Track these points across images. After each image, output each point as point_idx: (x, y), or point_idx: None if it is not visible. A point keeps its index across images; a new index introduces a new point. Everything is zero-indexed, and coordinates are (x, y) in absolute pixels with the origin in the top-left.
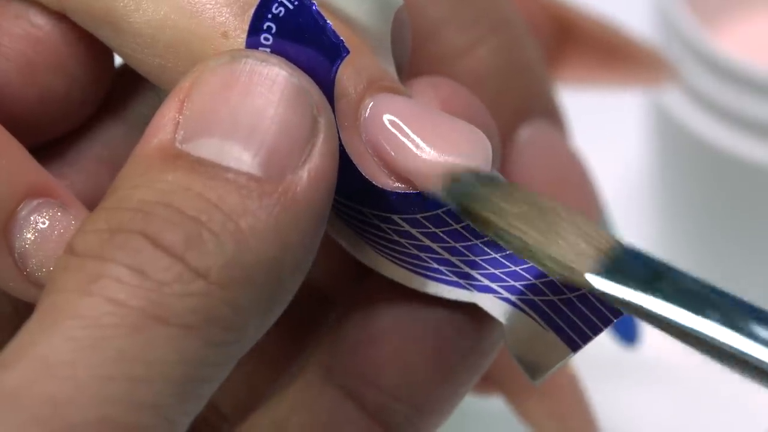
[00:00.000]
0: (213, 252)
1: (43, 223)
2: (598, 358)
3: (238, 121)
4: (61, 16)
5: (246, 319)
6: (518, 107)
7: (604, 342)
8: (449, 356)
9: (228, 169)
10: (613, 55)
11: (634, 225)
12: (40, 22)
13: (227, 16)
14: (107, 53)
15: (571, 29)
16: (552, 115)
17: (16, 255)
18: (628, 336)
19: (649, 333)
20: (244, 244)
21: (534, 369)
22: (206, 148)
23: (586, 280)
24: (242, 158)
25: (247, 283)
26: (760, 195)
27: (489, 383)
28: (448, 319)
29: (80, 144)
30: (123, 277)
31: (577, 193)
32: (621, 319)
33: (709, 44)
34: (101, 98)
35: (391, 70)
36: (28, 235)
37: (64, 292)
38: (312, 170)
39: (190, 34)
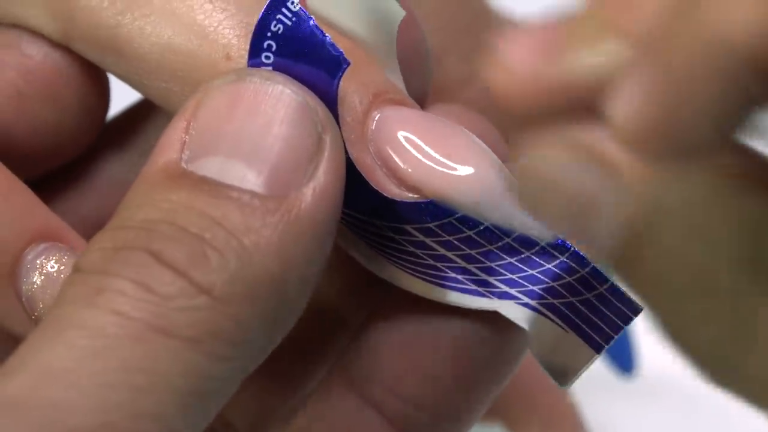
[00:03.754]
0: (216, 268)
1: (51, 266)
2: (596, 386)
3: (242, 139)
4: (54, 45)
5: (250, 334)
6: None
7: (603, 370)
8: (469, 365)
9: (231, 187)
10: None
11: None
12: (31, 51)
13: (230, 37)
14: (103, 83)
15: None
16: None
17: (24, 299)
18: (626, 366)
19: (646, 361)
20: (247, 261)
21: (561, 374)
22: (210, 167)
23: None
24: (246, 176)
25: (251, 298)
26: None
27: (490, 412)
28: (468, 327)
29: (90, 169)
30: (127, 290)
31: None
32: (619, 350)
33: None
34: (98, 127)
35: (400, 83)
36: (35, 279)
37: (69, 304)
38: (316, 188)
39: (194, 58)
